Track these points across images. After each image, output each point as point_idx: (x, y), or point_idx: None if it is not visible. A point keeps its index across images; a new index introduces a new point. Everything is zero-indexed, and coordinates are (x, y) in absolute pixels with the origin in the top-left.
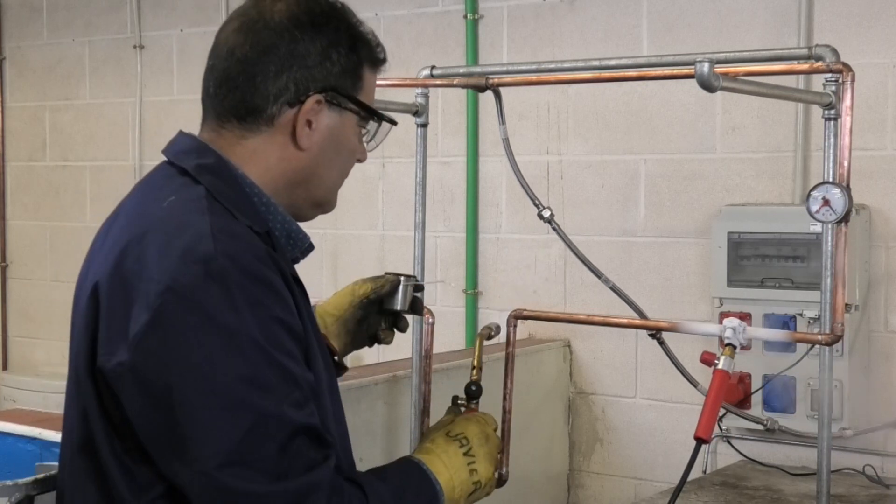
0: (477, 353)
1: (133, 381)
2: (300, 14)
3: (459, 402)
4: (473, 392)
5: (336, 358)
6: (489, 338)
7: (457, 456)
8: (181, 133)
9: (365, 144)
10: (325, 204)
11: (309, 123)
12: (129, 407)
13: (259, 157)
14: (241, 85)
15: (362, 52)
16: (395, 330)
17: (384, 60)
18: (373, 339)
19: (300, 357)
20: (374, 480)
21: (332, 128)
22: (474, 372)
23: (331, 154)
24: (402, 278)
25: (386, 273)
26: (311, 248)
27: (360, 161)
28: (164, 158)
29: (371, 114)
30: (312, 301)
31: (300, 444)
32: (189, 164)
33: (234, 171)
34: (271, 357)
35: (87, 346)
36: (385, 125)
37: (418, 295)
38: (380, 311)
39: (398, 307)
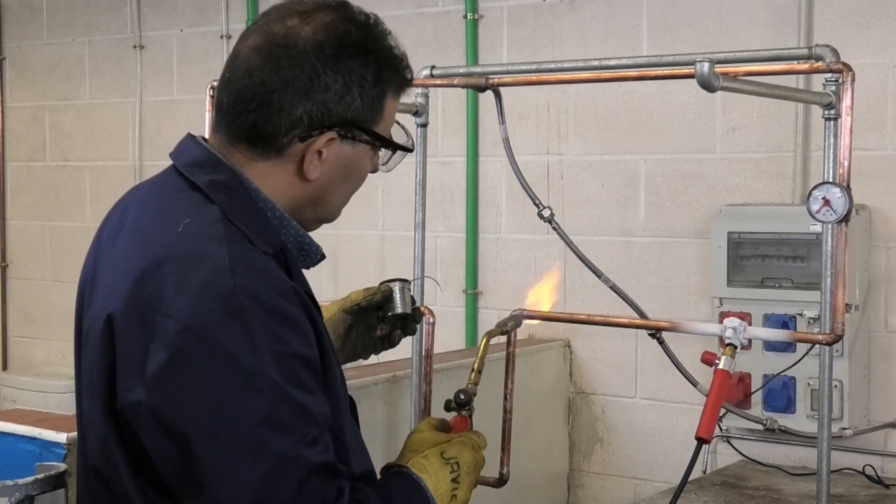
0: (479, 356)
1: (150, 421)
2: (326, 44)
3: (451, 407)
4: (462, 401)
5: None
6: (502, 333)
7: (445, 481)
8: (190, 138)
9: (379, 165)
10: (329, 219)
11: (319, 154)
12: (147, 444)
13: (269, 179)
14: (254, 109)
15: (388, 80)
16: (400, 333)
17: (410, 81)
18: (383, 343)
19: (318, 387)
20: None
21: (344, 158)
22: (472, 376)
23: (339, 181)
24: (397, 283)
25: (380, 283)
26: (322, 257)
27: (371, 173)
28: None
29: (386, 144)
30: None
31: (315, 482)
32: (201, 180)
33: (248, 186)
34: (289, 396)
35: (105, 379)
36: (400, 152)
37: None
38: (382, 319)
39: (399, 310)
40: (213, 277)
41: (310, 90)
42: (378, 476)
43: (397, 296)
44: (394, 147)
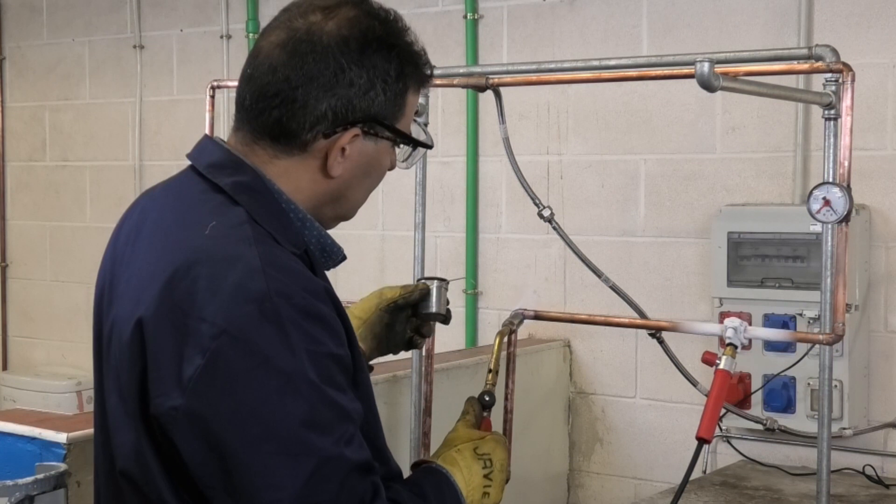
0: (494, 356)
1: (188, 426)
2: (350, 39)
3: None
4: (487, 402)
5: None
6: (511, 332)
7: (477, 475)
8: (209, 139)
9: (398, 162)
10: (347, 217)
11: (342, 151)
12: (183, 450)
13: (291, 177)
14: (278, 106)
15: (410, 76)
16: (419, 338)
17: (430, 77)
18: (408, 344)
19: (349, 386)
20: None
21: (366, 154)
22: (490, 376)
23: (361, 178)
24: (435, 282)
25: (418, 280)
26: (344, 258)
27: (389, 170)
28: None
29: (408, 141)
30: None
31: (354, 480)
32: (225, 182)
33: (271, 187)
34: (326, 396)
35: (137, 384)
36: (419, 148)
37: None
38: (414, 315)
39: (434, 310)
40: (245, 280)
41: (334, 85)
42: (410, 472)
43: (433, 295)
44: (415, 143)
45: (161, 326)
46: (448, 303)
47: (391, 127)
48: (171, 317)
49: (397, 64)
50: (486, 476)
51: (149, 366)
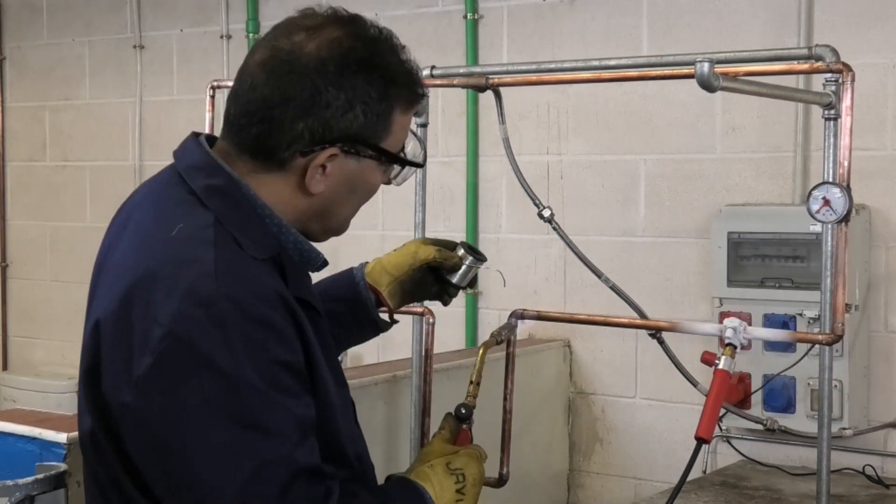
0: (477, 367)
1: (135, 424)
2: (329, 61)
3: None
4: (463, 415)
5: (389, 316)
6: (498, 343)
7: (450, 491)
8: (193, 139)
9: (390, 178)
10: (338, 231)
11: (323, 168)
12: (131, 446)
13: (272, 191)
14: (257, 123)
15: (395, 97)
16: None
17: (421, 97)
18: (436, 295)
19: (304, 391)
20: None
21: (348, 172)
22: (471, 388)
23: (345, 194)
24: (469, 259)
25: (459, 243)
26: (325, 264)
27: (385, 184)
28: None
29: (393, 160)
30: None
31: (300, 486)
32: (197, 185)
33: (246, 192)
34: (271, 400)
35: (92, 381)
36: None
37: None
38: (436, 277)
39: (456, 282)
40: (197, 283)
41: (311, 106)
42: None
43: (463, 270)
44: (401, 162)
45: (117, 325)
46: (474, 280)
47: (374, 146)
48: (127, 316)
49: (380, 85)
50: (458, 491)
51: (102, 361)
